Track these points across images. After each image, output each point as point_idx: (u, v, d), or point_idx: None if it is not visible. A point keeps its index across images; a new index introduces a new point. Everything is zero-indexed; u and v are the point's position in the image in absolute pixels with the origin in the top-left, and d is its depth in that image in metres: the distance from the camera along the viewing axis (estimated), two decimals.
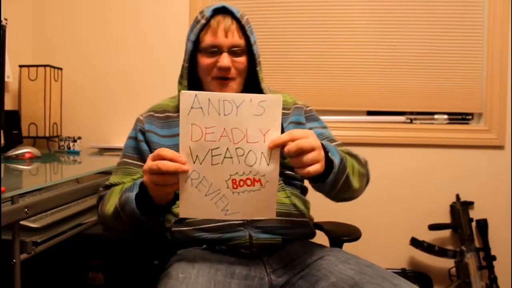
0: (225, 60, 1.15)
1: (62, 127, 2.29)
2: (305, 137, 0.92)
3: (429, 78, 2.25)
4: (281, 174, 1.14)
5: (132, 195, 1.03)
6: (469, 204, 2.23)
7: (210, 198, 0.94)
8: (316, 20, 2.28)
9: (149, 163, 0.92)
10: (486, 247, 2.18)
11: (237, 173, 0.93)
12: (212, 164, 0.92)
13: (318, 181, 1.02)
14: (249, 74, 1.24)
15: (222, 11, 1.18)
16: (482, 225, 2.20)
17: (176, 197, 1.00)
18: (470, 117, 2.30)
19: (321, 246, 1.19)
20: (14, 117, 1.99)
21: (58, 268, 1.89)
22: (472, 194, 2.24)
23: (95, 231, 1.90)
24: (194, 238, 1.13)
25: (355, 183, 1.12)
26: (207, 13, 1.17)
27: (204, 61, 1.18)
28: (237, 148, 0.92)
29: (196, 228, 1.13)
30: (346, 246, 1.32)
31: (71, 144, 2.16)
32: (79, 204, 1.57)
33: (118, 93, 2.36)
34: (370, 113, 2.34)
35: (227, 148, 0.92)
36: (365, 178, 1.19)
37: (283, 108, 1.16)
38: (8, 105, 2.09)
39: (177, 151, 0.92)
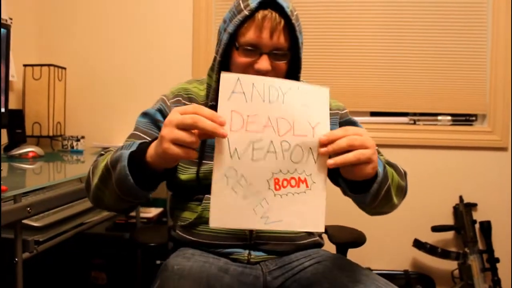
0: (264, 63, 1.01)
1: (65, 127, 2.30)
2: (360, 135, 0.82)
3: (433, 79, 2.25)
4: None
5: (127, 152, 0.89)
6: (472, 206, 2.22)
7: (249, 202, 0.80)
8: (320, 22, 2.28)
9: (181, 116, 0.77)
10: (489, 249, 2.17)
11: (280, 170, 0.80)
12: (252, 160, 0.79)
13: (360, 190, 0.91)
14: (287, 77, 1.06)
15: (270, 3, 1.01)
16: (486, 227, 2.19)
17: (175, 169, 0.93)
18: (473, 118, 2.29)
19: (320, 251, 1.18)
20: (18, 116, 1.99)
21: (60, 267, 1.89)
22: (476, 196, 2.23)
23: (97, 230, 1.91)
24: (192, 244, 1.11)
25: (395, 196, 1.00)
26: (252, 3, 1.00)
27: (240, 59, 1.03)
28: (283, 141, 0.80)
29: (195, 241, 1.10)
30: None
31: (75, 144, 2.16)
32: (82, 204, 1.57)
33: (122, 93, 2.37)
34: (373, 114, 2.33)
35: (271, 141, 0.80)
36: (403, 191, 1.07)
37: (335, 108, 1.14)
38: (12, 104, 2.10)
39: (201, 148, 0.91)
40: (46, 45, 2.40)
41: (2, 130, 1.91)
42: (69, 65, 2.32)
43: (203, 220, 1.08)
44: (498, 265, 2.15)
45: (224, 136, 0.77)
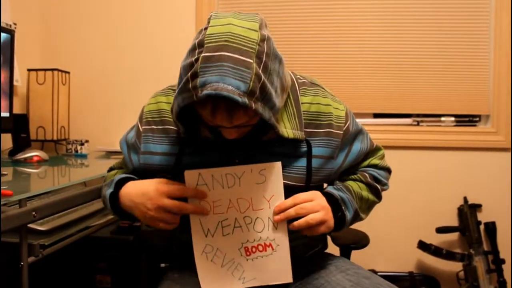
0: (228, 135, 0.92)
1: (69, 131, 2.31)
2: (310, 200, 0.96)
3: (436, 80, 2.24)
4: None
5: (108, 193, 1.07)
6: (477, 207, 2.21)
7: (227, 268, 0.97)
8: (322, 23, 2.28)
9: (167, 202, 0.95)
10: (494, 250, 2.16)
11: (248, 240, 0.96)
12: (223, 235, 0.96)
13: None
14: None
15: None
16: (491, 228, 2.19)
17: None
18: (477, 119, 2.28)
19: (324, 254, 1.18)
20: (23, 120, 2.00)
21: (66, 271, 1.90)
22: (480, 197, 2.23)
23: (102, 234, 1.91)
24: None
25: (364, 216, 1.13)
26: (200, 90, 0.81)
27: (204, 119, 0.92)
28: (245, 216, 0.96)
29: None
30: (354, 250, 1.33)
31: (79, 147, 2.17)
32: (87, 207, 1.57)
33: (125, 97, 2.37)
34: (376, 115, 2.33)
35: (236, 218, 0.96)
36: (374, 205, 1.18)
37: (335, 128, 1.05)
38: (17, 108, 2.11)
39: (173, 171, 1.00)
40: (50, 49, 2.41)
41: (7, 134, 1.92)
42: (73, 69, 2.33)
43: None
44: (503, 266, 2.14)
45: (206, 214, 0.96)
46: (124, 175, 1.11)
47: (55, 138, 2.15)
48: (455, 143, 2.23)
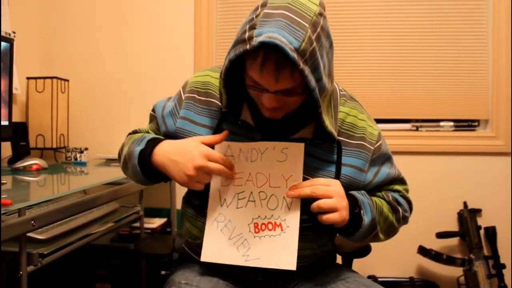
0: (269, 102, 0.92)
1: (69, 138, 2.31)
2: (327, 185, 0.94)
3: (435, 85, 2.25)
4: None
5: (138, 149, 1.03)
6: (477, 212, 2.21)
7: (233, 242, 0.97)
8: None
9: (210, 164, 0.93)
10: (495, 255, 2.16)
11: (259, 216, 0.96)
12: (237, 208, 0.97)
13: (343, 233, 1.03)
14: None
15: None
16: (491, 232, 2.18)
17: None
18: (476, 123, 2.29)
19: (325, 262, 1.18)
20: (22, 128, 2.00)
21: (66, 279, 1.89)
22: (480, 202, 2.23)
23: (102, 242, 1.91)
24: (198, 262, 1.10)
25: (383, 236, 1.09)
26: (256, 38, 0.85)
27: (249, 89, 0.96)
28: (260, 191, 0.97)
29: (202, 262, 1.08)
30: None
31: (78, 155, 2.17)
32: (86, 215, 1.57)
33: (125, 104, 2.38)
34: (375, 121, 2.33)
35: (251, 192, 0.97)
36: (395, 231, 1.15)
37: (368, 142, 1.07)
38: (16, 117, 2.11)
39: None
40: (49, 58, 2.42)
41: (6, 143, 1.93)
42: (72, 77, 2.34)
43: None
44: (504, 271, 2.14)
45: (233, 178, 0.98)
46: (155, 135, 1.09)
47: (54, 146, 2.15)
48: (454, 148, 2.23)
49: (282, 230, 0.95)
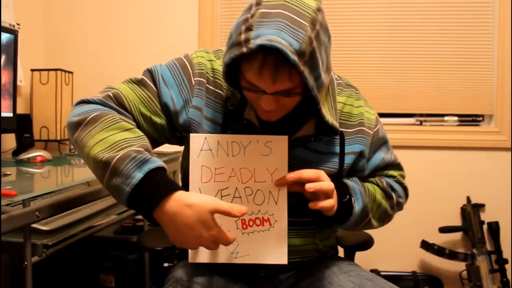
0: (267, 104, 0.89)
1: None
2: (314, 178, 0.92)
3: (439, 80, 2.24)
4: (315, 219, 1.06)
5: (136, 176, 0.83)
6: (480, 207, 2.21)
7: None
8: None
9: (228, 236, 0.85)
10: (498, 250, 2.16)
11: (246, 212, 0.91)
12: None
13: (335, 221, 1.03)
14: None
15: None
16: (494, 227, 2.18)
17: None
18: (480, 118, 2.28)
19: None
20: (26, 120, 2.01)
21: (69, 271, 1.90)
22: (483, 197, 2.22)
23: (105, 233, 1.92)
24: None
25: (376, 224, 1.10)
26: (254, 41, 0.82)
27: (245, 92, 0.93)
28: (246, 187, 0.94)
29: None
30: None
31: None
32: (90, 207, 1.58)
33: None
34: (379, 115, 2.32)
35: (236, 188, 0.94)
36: (389, 218, 1.15)
37: (366, 127, 1.09)
38: (20, 109, 2.12)
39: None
40: (53, 50, 2.42)
41: (11, 134, 1.93)
42: (76, 70, 2.34)
43: None
44: (506, 266, 2.14)
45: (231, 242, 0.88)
46: (161, 163, 0.88)
47: (58, 138, 2.16)
48: (458, 142, 2.23)
49: (270, 225, 0.94)
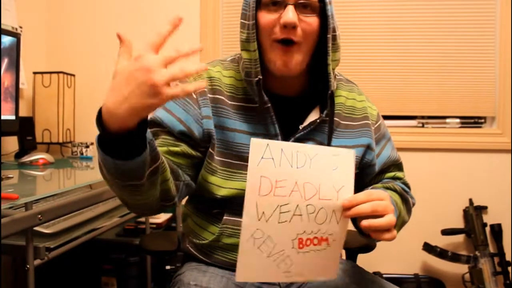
0: (290, 14, 0.89)
1: (75, 133, 2.32)
2: (382, 199, 0.85)
3: (441, 82, 2.24)
4: None
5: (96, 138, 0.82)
6: (482, 209, 2.21)
7: (273, 260, 0.84)
8: None
9: (162, 57, 0.76)
10: (500, 252, 2.15)
11: (305, 231, 0.84)
12: (279, 222, 0.82)
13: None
14: (318, 50, 0.97)
15: None
16: (496, 230, 2.18)
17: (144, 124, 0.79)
18: (482, 120, 2.28)
19: None
20: (28, 123, 2.01)
21: (71, 273, 1.91)
22: (486, 199, 2.22)
23: (108, 236, 1.92)
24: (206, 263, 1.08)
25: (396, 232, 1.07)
26: None
27: (264, 18, 0.93)
28: (308, 205, 0.83)
29: (210, 263, 1.07)
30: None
31: (84, 150, 2.18)
32: (92, 210, 1.58)
33: None
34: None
35: (297, 205, 0.82)
36: (405, 223, 1.13)
37: (370, 121, 1.09)
38: (23, 111, 2.12)
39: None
40: (55, 52, 2.42)
41: (13, 137, 1.94)
42: (78, 72, 2.34)
43: (219, 244, 1.03)
44: (509, 268, 2.13)
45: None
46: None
47: (60, 140, 2.16)
48: (460, 145, 2.23)
49: (328, 244, 0.85)
